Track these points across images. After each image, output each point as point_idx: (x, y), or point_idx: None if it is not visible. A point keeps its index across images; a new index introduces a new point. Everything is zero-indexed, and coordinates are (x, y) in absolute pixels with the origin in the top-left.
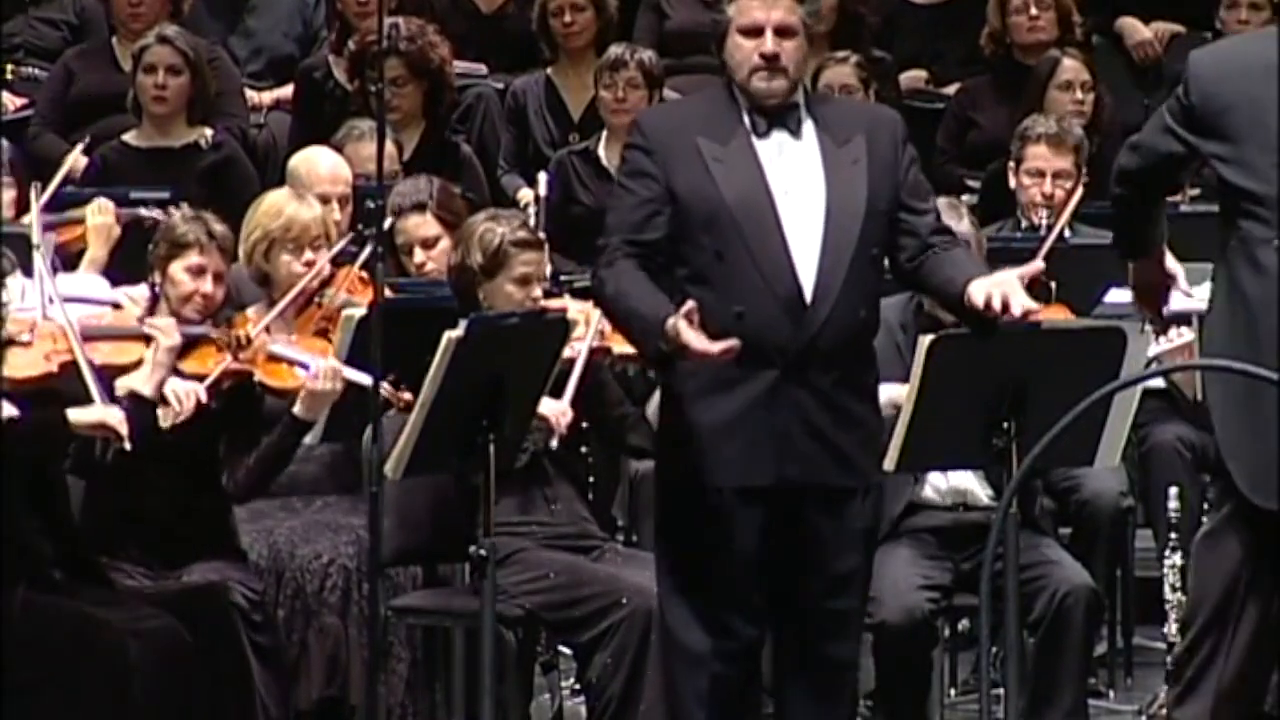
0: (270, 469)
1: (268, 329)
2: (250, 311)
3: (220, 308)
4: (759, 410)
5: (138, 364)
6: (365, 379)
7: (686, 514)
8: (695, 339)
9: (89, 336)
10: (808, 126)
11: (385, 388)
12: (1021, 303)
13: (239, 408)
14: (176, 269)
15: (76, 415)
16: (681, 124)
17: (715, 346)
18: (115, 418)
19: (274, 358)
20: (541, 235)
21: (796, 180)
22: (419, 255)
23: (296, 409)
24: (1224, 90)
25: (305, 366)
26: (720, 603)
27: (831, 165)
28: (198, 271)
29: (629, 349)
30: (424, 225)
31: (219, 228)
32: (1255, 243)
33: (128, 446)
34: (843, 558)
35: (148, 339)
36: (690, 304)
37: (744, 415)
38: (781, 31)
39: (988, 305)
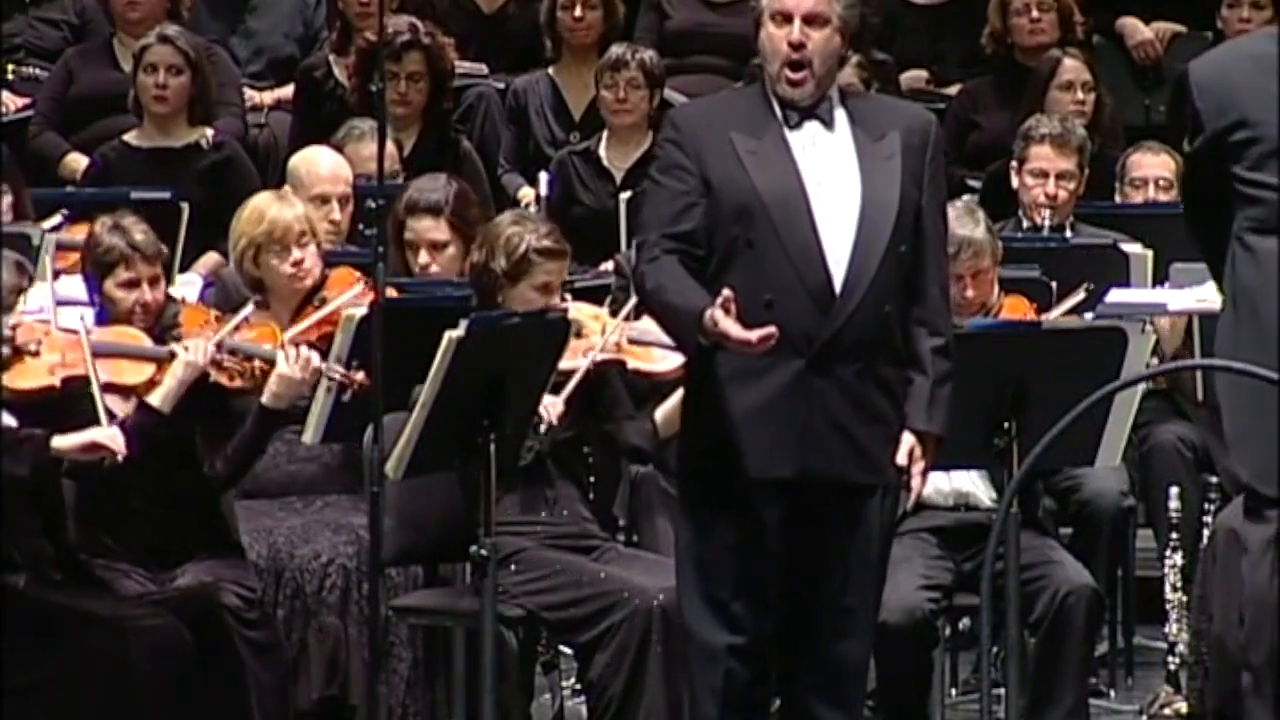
0: (246, 459)
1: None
2: (246, 312)
3: (164, 309)
4: (783, 401)
5: (148, 384)
6: (337, 369)
7: (708, 504)
8: (734, 327)
9: (100, 354)
10: (841, 120)
11: (337, 370)
12: (914, 486)
13: (207, 399)
14: (111, 287)
15: (61, 442)
16: (714, 118)
17: (754, 334)
18: (107, 435)
19: (233, 354)
20: (565, 245)
21: (829, 172)
22: (424, 257)
23: (265, 399)
24: (1224, 87)
25: (260, 358)
26: (738, 596)
27: (866, 159)
28: (132, 284)
29: (643, 365)
30: (435, 229)
31: (139, 235)
32: (1255, 231)
33: (120, 459)
34: (860, 555)
35: (158, 359)
36: (727, 293)
37: (768, 406)
38: (811, 20)
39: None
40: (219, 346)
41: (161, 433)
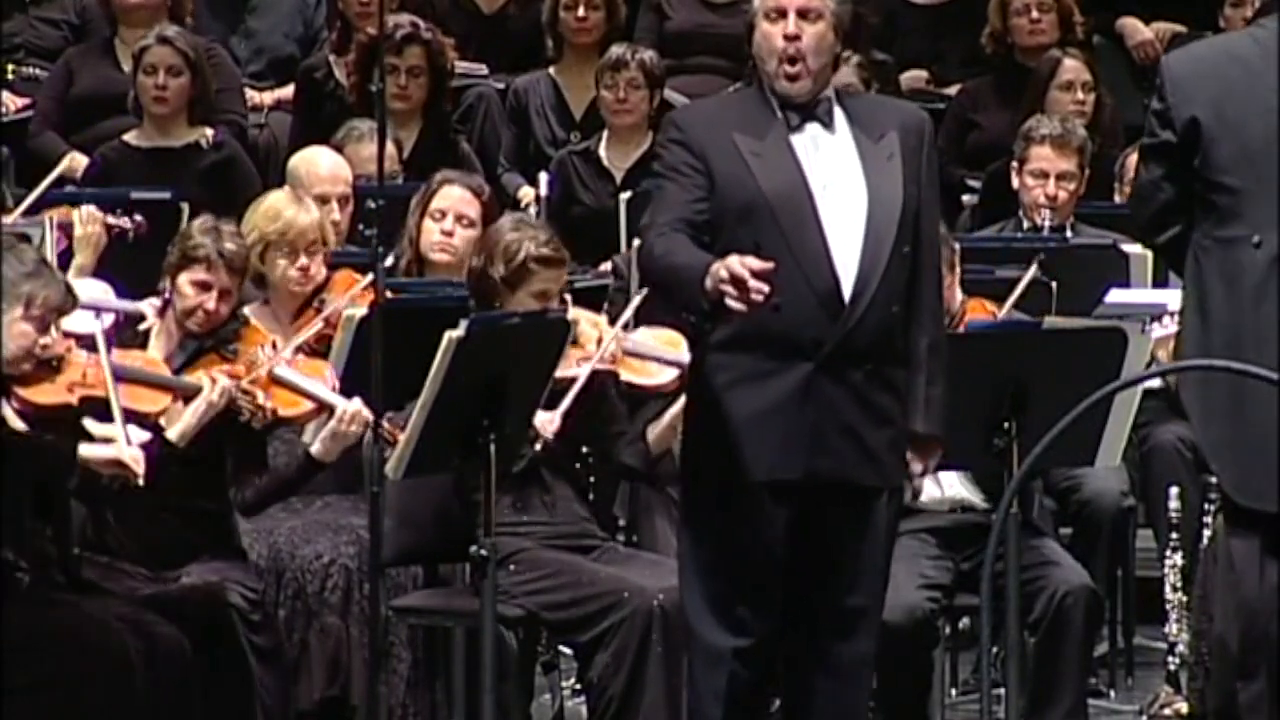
0: (278, 494)
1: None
2: (248, 310)
3: (225, 322)
4: (791, 404)
5: (162, 414)
6: (385, 425)
7: (713, 506)
8: (737, 257)
9: (120, 378)
10: (840, 120)
11: (385, 426)
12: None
13: (240, 427)
14: (184, 281)
15: (89, 450)
16: (716, 118)
17: (756, 264)
18: (131, 456)
19: (280, 383)
20: (564, 254)
21: (834, 175)
22: (450, 223)
23: (315, 449)
24: (1201, 84)
25: (313, 398)
26: (742, 598)
27: (868, 160)
28: (204, 287)
29: (637, 378)
30: (466, 203)
31: (231, 245)
32: (1222, 239)
33: (140, 484)
34: (866, 556)
35: (175, 390)
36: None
37: (776, 409)
38: (804, 14)
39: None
40: (271, 377)
41: (174, 466)
